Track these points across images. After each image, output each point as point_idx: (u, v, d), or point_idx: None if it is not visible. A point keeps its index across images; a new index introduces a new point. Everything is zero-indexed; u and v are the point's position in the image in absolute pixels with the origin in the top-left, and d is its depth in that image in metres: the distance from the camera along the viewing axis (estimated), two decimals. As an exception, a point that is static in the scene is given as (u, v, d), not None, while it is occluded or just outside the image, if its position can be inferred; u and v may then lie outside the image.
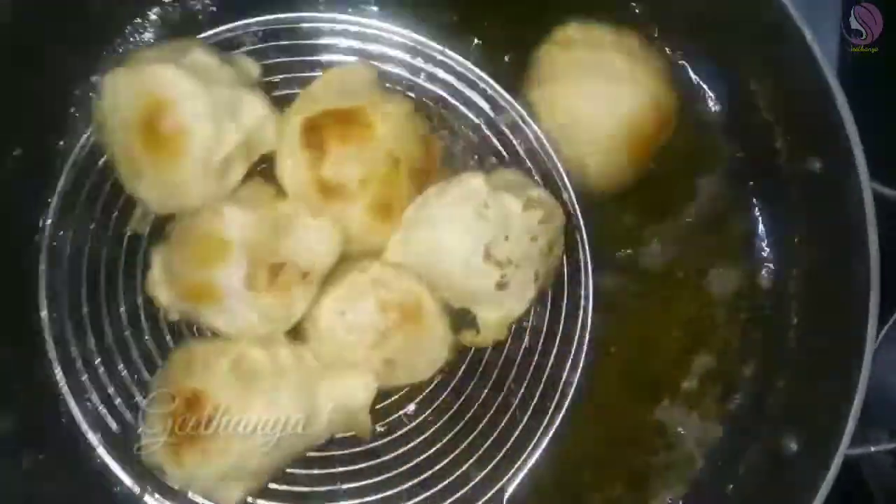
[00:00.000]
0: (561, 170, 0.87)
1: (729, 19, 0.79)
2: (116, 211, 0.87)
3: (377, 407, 0.86)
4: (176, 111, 0.74)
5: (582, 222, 0.86)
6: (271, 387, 0.79)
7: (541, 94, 0.91)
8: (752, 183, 0.88)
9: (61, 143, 0.90)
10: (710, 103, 0.91)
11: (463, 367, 0.92)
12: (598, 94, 0.89)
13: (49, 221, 0.84)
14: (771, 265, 0.85)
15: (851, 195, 0.64)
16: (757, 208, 0.88)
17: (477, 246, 0.80)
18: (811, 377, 0.75)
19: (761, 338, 0.85)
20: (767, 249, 0.86)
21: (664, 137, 0.91)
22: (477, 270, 0.80)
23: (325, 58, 0.92)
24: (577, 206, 0.86)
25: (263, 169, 0.85)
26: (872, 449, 0.77)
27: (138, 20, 0.92)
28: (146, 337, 0.90)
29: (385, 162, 0.82)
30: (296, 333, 0.84)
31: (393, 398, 0.91)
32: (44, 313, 0.85)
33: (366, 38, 0.91)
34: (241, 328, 0.80)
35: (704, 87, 0.91)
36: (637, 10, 0.93)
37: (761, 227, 0.88)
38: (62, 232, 0.86)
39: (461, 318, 0.87)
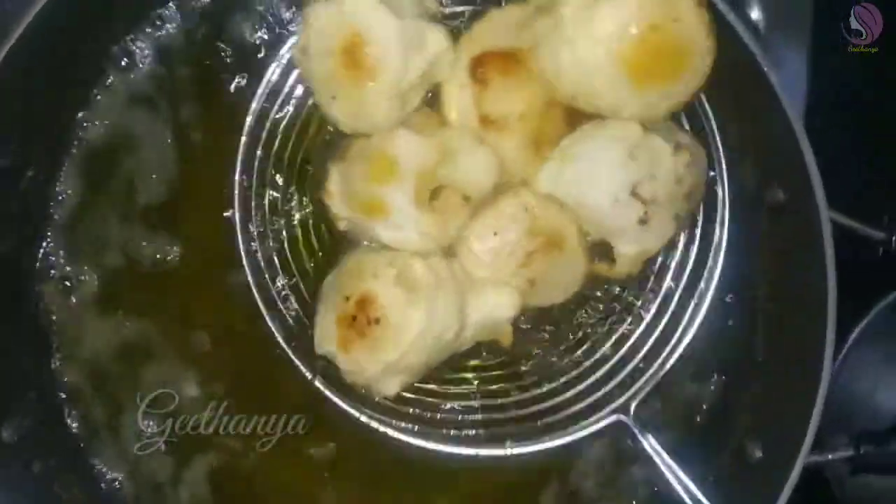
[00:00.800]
0: (711, 119, 0.92)
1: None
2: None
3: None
4: (373, 40, 0.82)
5: (726, 174, 0.89)
6: (430, 296, 0.88)
7: None
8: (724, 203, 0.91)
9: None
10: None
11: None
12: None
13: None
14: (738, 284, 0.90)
15: (812, 222, 0.70)
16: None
17: (625, 182, 0.86)
18: (775, 389, 0.81)
19: (729, 351, 0.91)
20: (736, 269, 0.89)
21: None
22: (623, 205, 0.87)
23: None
24: (722, 159, 0.90)
25: (430, 99, 0.93)
26: (830, 457, 0.81)
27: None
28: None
29: (542, 98, 0.89)
30: (451, 250, 0.93)
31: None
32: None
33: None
34: (405, 242, 0.89)
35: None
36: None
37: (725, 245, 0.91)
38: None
39: (598, 251, 0.94)
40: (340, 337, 0.89)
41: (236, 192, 0.96)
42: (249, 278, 0.96)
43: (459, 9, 0.98)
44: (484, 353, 1.02)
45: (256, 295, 0.96)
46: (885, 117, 1.03)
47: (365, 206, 0.89)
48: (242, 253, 0.95)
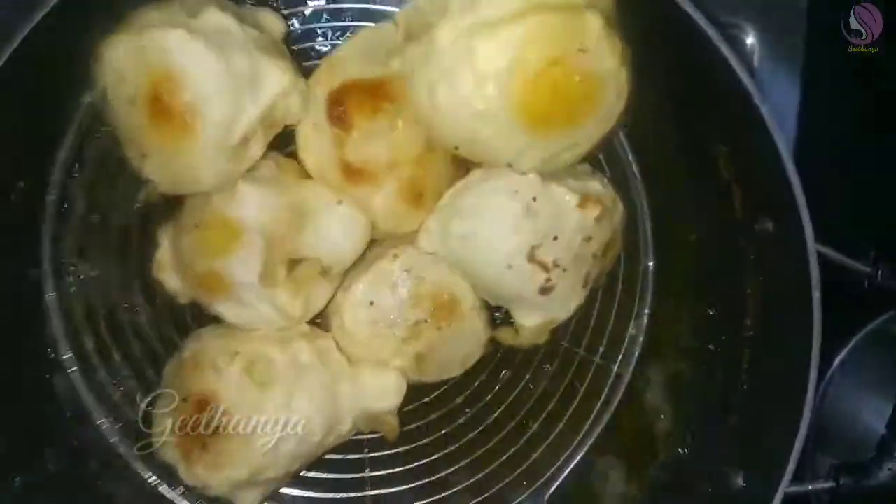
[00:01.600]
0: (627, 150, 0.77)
1: (692, 90, 0.78)
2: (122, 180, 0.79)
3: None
4: (186, 85, 0.63)
5: (648, 217, 0.79)
6: (289, 389, 0.72)
7: None
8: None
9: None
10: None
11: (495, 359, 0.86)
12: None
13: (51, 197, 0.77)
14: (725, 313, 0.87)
15: (799, 254, 0.70)
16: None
17: (521, 246, 0.71)
18: (759, 419, 0.80)
19: (716, 380, 0.87)
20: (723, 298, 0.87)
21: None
22: (519, 272, 0.71)
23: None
24: (643, 200, 0.78)
25: (285, 141, 0.75)
26: (810, 487, 0.81)
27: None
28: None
29: (418, 141, 0.72)
30: (317, 321, 0.78)
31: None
32: (50, 295, 0.79)
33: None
34: (255, 322, 0.74)
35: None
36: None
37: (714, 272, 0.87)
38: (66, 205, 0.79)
39: (498, 313, 0.81)
40: (181, 446, 0.72)
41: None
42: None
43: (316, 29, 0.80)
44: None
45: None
46: (878, 145, 1.01)
47: (201, 281, 0.72)
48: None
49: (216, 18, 0.65)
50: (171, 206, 0.76)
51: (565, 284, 0.73)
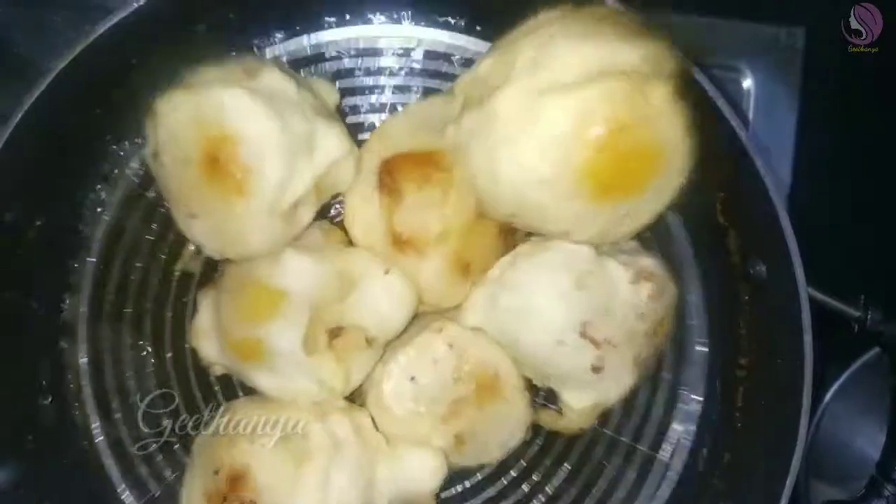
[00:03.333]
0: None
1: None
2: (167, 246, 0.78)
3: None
4: (243, 145, 0.63)
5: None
6: (325, 466, 0.69)
7: None
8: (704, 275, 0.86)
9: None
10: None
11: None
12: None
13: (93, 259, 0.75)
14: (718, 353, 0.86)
15: (791, 297, 0.71)
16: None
17: (573, 320, 0.68)
18: (751, 455, 0.78)
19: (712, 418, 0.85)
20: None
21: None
22: (570, 348, 0.69)
23: (410, 83, 0.82)
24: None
25: (332, 209, 0.75)
26: None
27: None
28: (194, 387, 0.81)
29: (467, 213, 0.71)
30: (355, 396, 0.75)
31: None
32: (83, 359, 0.77)
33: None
34: (293, 393, 0.71)
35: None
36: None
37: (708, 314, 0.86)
38: (102, 267, 0.78)
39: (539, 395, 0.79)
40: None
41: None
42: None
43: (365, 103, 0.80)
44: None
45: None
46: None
47: (239, 349, 0.70)
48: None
49: (275, 80, 0.66)
50: (210, 272, 0.75)
51: (617, 363, 0.70)
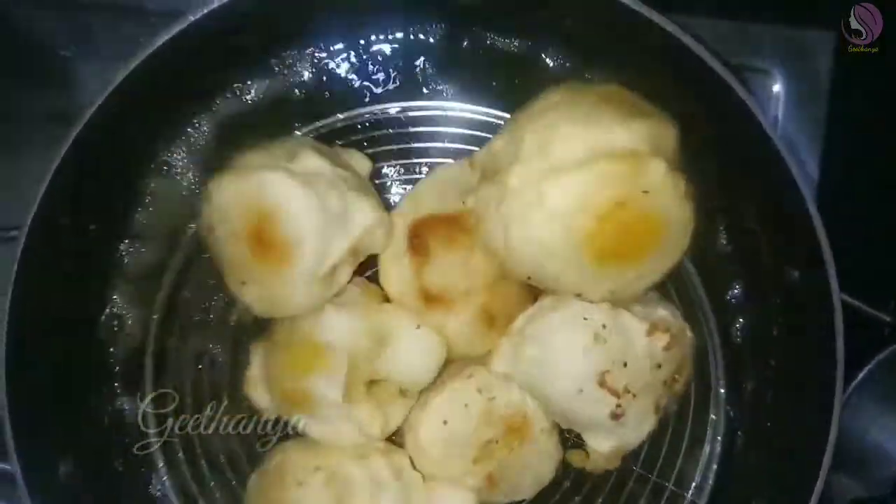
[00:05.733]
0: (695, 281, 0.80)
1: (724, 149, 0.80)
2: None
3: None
4: (286, 222, 0.70)
5: (719, 349, 0.78)
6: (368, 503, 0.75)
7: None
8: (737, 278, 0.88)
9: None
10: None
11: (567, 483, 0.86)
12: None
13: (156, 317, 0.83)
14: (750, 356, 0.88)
15: (823, 303, 0.72)
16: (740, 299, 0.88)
17: (591, 372, 0.73)
18: (782, 454, 0.80)
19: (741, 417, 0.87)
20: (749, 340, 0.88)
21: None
22: (590, 398, 0.73)
23: (437, 146, 0.88)
24: (714, 331, 0.78)
25: (369, 264, 0.81)
26: None
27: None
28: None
29: (491, 269, 0.77)
30: (394, 437, 0.81)
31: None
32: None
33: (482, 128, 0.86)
34: (336, 438, 0.77)
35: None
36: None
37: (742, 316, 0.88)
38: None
39: (569, 435, 0.82)
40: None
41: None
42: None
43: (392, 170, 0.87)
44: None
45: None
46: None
47: (289, 398, 0.77)
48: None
49: (312, 161, 0.73)
50: (262, 325, 0.82)
51: (636, 410, 0.74)
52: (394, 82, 0.85)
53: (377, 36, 0.84)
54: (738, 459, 0.86)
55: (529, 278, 0.72)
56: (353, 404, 0.75)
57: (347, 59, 0.85)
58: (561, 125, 0.64)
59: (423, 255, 0.77)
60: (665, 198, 0.64)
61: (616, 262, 0.66)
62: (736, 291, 0.86)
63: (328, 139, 0.84)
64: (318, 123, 0.84)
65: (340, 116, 0.85)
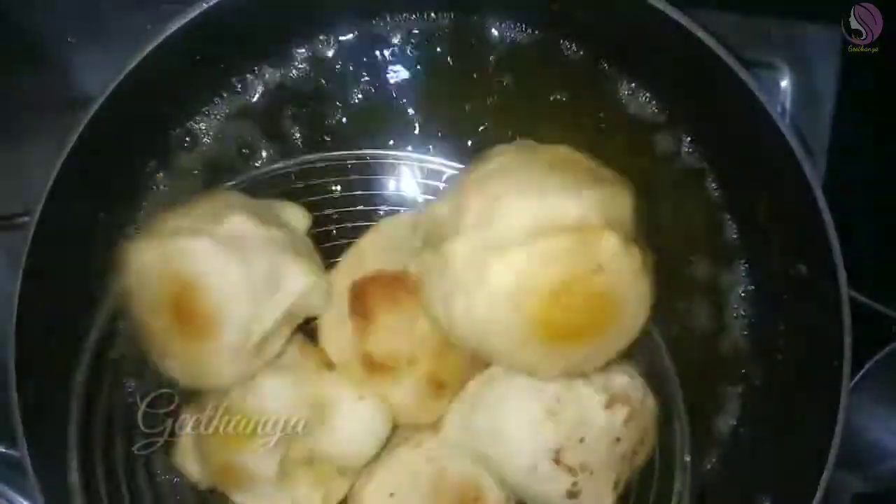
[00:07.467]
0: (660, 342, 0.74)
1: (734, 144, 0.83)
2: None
3: None
4: (208, 292, 0.64)
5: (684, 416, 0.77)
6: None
7: None
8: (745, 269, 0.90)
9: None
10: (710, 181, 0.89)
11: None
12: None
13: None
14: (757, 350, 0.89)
15: (831, 299, 0.73)
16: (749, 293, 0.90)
17: (545, 449, 0.68)
18: (788, 446, 0.81)
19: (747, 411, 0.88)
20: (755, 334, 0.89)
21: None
22: (545, 475, 0.68)
23: (383, 193, 0.82)
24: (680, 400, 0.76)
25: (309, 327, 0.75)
26: None
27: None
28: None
29: (439, 335, 0.70)
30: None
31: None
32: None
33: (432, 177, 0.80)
34: (274, 515, 0.71)
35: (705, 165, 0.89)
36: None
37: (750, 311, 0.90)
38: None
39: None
40: None
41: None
42: None
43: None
44: None
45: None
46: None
47: (222, 473, 0.71)
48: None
49: (238, 223, 0.66)
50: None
51: (594, 488, 0.69)
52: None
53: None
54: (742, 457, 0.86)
55: (475, 351, 0.66)
56: (289, 482, 0.70)
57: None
58: (505, 196, 0.58)
59: (366, 318, 0.71)
60: (619, 274, 0.58)
61: (568, 341, 0.60)
62: (742, 282, 0.87)
63: (265, 187, 0.78)
64: (254, 172, 0.78)
65: (278, 165, 0.78)
